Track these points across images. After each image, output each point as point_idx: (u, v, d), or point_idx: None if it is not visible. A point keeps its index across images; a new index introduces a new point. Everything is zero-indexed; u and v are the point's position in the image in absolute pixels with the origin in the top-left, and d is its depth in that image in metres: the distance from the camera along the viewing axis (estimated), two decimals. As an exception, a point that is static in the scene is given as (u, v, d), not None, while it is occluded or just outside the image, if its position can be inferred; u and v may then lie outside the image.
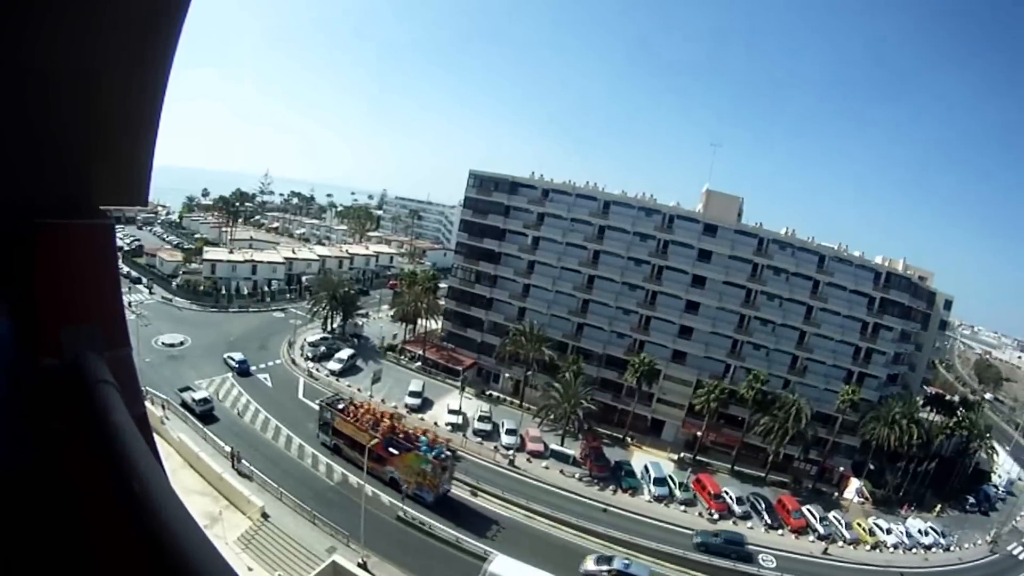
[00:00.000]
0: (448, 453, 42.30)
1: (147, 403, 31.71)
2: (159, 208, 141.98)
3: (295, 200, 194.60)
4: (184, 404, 47.25)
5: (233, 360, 58.47)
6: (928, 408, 62.99)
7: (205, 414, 46.97)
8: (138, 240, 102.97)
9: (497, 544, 37.32)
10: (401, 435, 42.52)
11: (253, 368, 58.03)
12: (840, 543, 46.02)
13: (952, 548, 48.63)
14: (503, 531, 39.69)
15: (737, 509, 47.57)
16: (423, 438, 42.38)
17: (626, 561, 36.96)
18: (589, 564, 36.72)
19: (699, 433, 56.39)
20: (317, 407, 47.23)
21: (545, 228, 63.30)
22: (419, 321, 68.24)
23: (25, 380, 1.58)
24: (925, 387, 71.25)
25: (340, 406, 45.77)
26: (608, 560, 36.76)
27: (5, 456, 1.59)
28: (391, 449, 41.02)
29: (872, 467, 56.42)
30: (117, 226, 1.81)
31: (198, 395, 48.27)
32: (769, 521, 46.90)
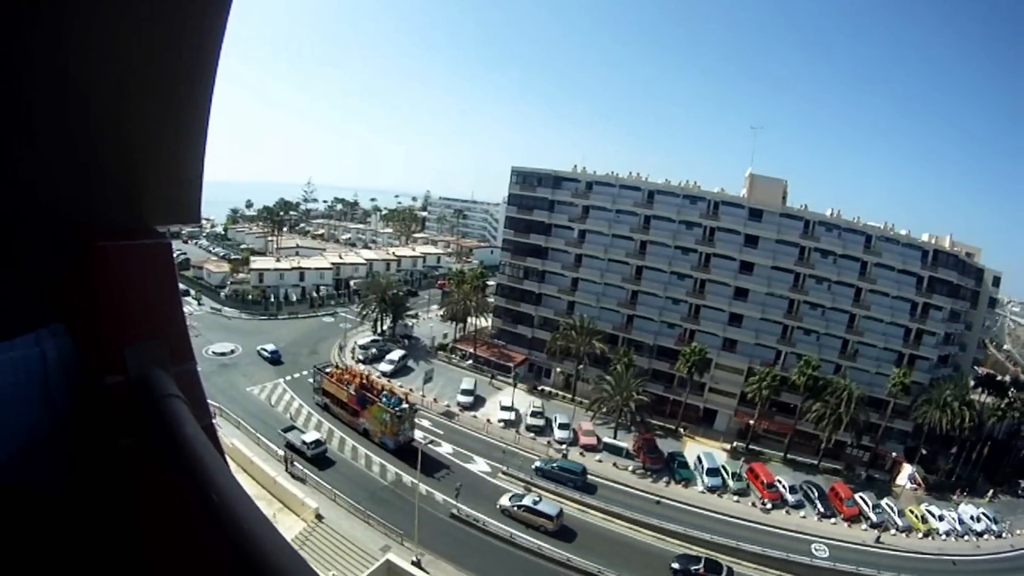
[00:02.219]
0: (405, 405, 47.02)
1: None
2: (204, 221, 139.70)
3: (339, 206, 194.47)
4: (290, 446, 42.59)
5: (265, 351, 61.14)
6: (979, 389, 61.96)
7: (318, 457, 42.76)
8: (184, 253, 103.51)
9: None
10: (375, 391, 48.03)
11: (305, 372, 58.62)
12: (893, 531, 45.36)
13: (1004, 535, 47.38)
14: (450, 474, 43.46)
15: (790, 498, 47.07)
16: (385, 392, 47.69)
17: (536, 498, 40.61)
18: (504, 501, 40.20)
19: (751, 422, 56.24)
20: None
21: (590, 221, 63.58)
22: (469, 320, 68.65)
23: (90, 398, 1.59)
24: (976, 368, 69.78)
25: (327, 370, 52.39)
26: (519, 497, 40.45)
27: (75, 474, 1.61)
28: (364, 404, 46.92)
29: (924, 452, 55.40)
30: None
31: (308, 437, 43.82)
32: (822, 509, 46.33)
